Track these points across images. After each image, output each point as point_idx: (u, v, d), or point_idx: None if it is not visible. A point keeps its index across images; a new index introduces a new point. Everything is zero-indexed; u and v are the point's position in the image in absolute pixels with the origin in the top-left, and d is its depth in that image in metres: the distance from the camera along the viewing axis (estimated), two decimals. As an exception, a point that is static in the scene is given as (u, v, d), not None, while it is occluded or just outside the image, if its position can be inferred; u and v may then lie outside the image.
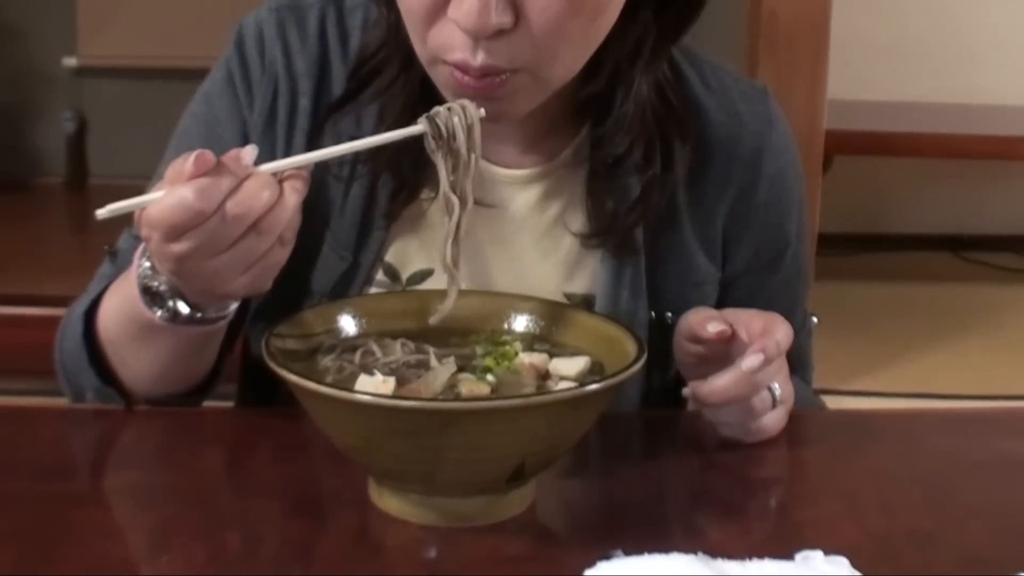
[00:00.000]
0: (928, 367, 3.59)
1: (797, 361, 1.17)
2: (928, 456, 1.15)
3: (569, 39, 1.06)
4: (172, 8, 4.11)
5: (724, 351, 1.09)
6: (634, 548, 0.88)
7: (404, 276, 1.22)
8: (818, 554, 0.89)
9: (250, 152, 0.98)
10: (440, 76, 1.09)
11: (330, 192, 1.21)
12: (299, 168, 1.00)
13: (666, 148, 1.20)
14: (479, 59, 1.04)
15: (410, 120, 1.06)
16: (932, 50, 4.47)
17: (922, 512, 1.02)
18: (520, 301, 1.11)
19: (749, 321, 1.10)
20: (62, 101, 4.25)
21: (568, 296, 1.22)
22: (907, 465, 1.13)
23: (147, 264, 1.07)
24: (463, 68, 1.05)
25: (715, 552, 0.88)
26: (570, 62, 1.10)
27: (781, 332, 1.09)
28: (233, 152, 0.97)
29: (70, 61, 4.18)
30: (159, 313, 1.08)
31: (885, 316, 4.00)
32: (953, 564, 0.94)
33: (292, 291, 1.19)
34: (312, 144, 1.19)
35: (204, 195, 0.95)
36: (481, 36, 1.02)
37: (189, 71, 3.86)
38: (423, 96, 1.15)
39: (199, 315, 1.08)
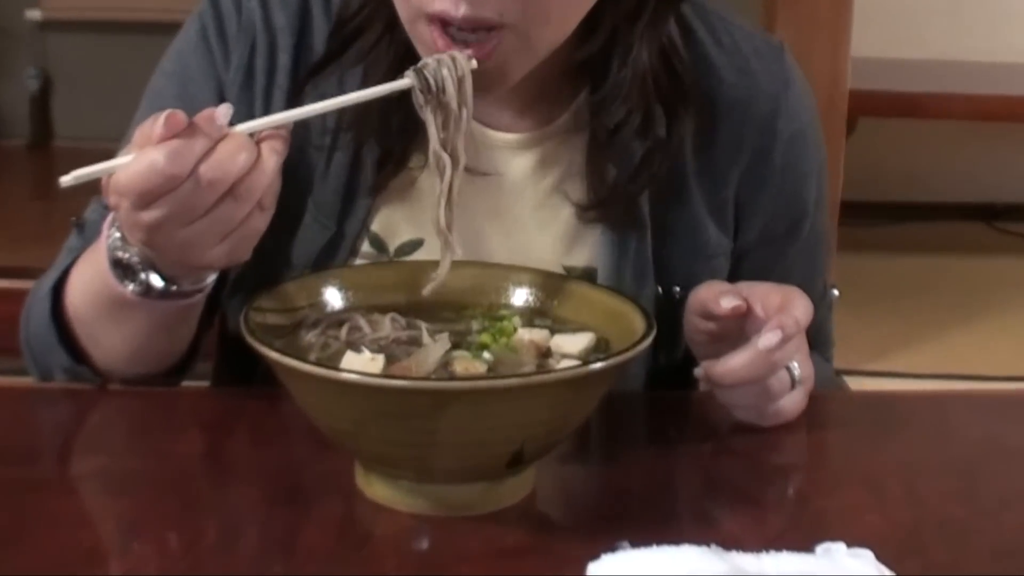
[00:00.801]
0: (959, 346, 3.60)
1: (816, 337, 1.18)
2: (959, 442, 1.16)
3: None
4: (143, -44, 4.10)
5: (738, 328, 1.09)
6: (641, 539, 0.88)
7: (392, 247, 1.22)
8: (840, 546, 0.89)
9: (224, 111, 0.97)
10: (421, 36, 1.09)
11: (311, 157, 1.21)
12: (278, 127, 1.00)
13: (670, 114, 1.20)
14: (462, 10, 1.04)
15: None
16: (962, 5, 4.46)
17: (953, 502, 1.02)
18: (519, 272, 1.11)
19: (766, 295, 1.10)
20: (25, 57, 4.24)
21: (568, 270, 1.22)
22: (936, 451, 1.13)
23: (117, 235, 1.06)
24: (445, 21, 1.05)
25: (729, 544, 0.88)
26: (561, 19, 1.10)
27: (800, 308, 1.08)
28: (207, 112, 0.97)
29: (33, 14, 4.17)
30: (131, 287, 1.07)
31: (912, 291, 4.01)
32: (986, 558, 0.94)
33: (271, 262, 1.19)
34: (292, 104, 1.18)
35: (176, 158, 0.94)
36: None
37: (161, 24, 3.86)
38: (408, 56, 1.14)
39: (174, 288, 1.08)
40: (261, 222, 1.01)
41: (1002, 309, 3.86)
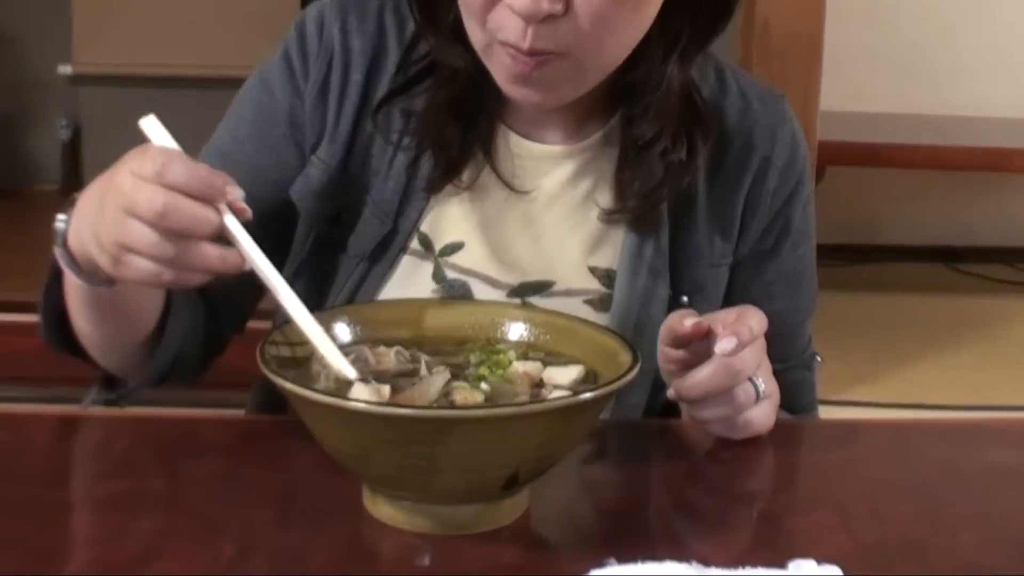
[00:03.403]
0: (921, 378, 3.60)
1: (795, 397, 1.18)
2: (920, 466, 1.16)
3: (612, 28, 1.12)
4: (167, 16, 4.11)
5: (705, 355, 1.10)
6: (627, 556, 0.88)
7: (437, 247, 1.26)
8: (811, 563, 0.89)
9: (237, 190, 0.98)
10: (494, 58, 1.15)
11: (374, 160, 1.25)
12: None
13: (690, 139, 1.24)
14: (528, 42, 1.10)
15: (452, 111, 1.22)
16: (925, 62, 4.48)
17: (914, 522, 1.02)
18: (514, 310, 1.11)
19: (723, 315, 1.12)
20: (57, 109, 4.25)
21: (591, 269, 1.26)
22: (899, 475, 1.13)
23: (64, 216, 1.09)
24: (514, 49, 1.12)
25: (708, 561, 0.88)
26: (612, 51, 1.15)
27: (754, 318, 1.10)
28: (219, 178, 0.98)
29: (65, 69, 4.19)
30: (58, 251, 1.09)
31: (878, 327, 4.01)
32: (946, 574, 0.94)
33: (331, 252, 1.26)
34: (360, 119, 1.25)
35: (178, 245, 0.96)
36: (532, 20, 1.09)
37: (184, 79, 3.89)
38: (462, 96, 1.23)
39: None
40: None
41: (960, 344, 3.86)
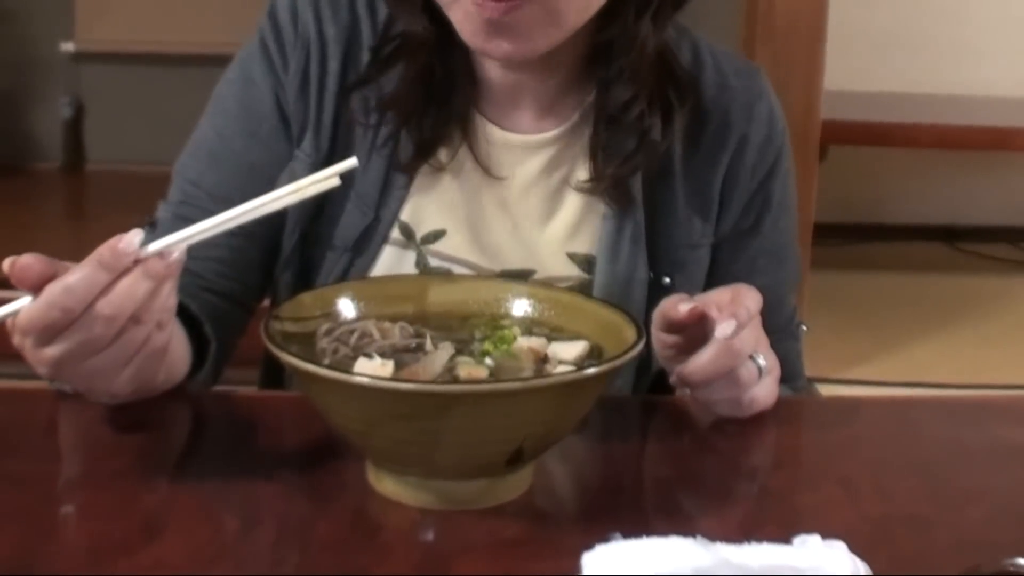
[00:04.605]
0: (922, 357, 3.60)
1: (784, 368, 1.18)
2: (924, 443, 1.16)
3: None
4: (170, -6, 4.11)
5: (701, 337, 1.09)
6: (632, 531, 0.88)
7: (418, 235, 1.26)
8: (816, 538, 0.88)
9: (132, 238, 0.93)
10: (459, 9, 1.13)
11: (355, 151, 1.23)
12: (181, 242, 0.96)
13: (666, 111, 1.23)
14: None
15: (424, 80, 1.20)
16: (928, 41, 4.47)
17: (919, 498, 1.02)
18: (519, 285, 1.11)
19: (717, 297, 1.10)
20: (59, 86, 4.25)
21: (571, 256, 1.26)
22: (904, 452, 1.13)
23: None
24: None
25: (712, 535, 0.88)
26: None
27: (749, 298, 1.09)
28: (112, 242, 0.93)
29: (68, 46, 4.18)
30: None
31: (880, 306, 4.01)
32: (950, 549, 0.94)
33: (316, 245, 1.26)
34: (340, 109, 1.24)
35: (71, 294, 0.92)
36: None
37: (186, 56, 3.89)
38: (434, 83, 1.23)
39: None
40: (161, 339, 0.99)
41: (962, 323, 3.87)
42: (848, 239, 4.46)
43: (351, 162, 1.00)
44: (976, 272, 4.40)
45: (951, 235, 4.63)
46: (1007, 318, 3.95)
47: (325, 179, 0.99)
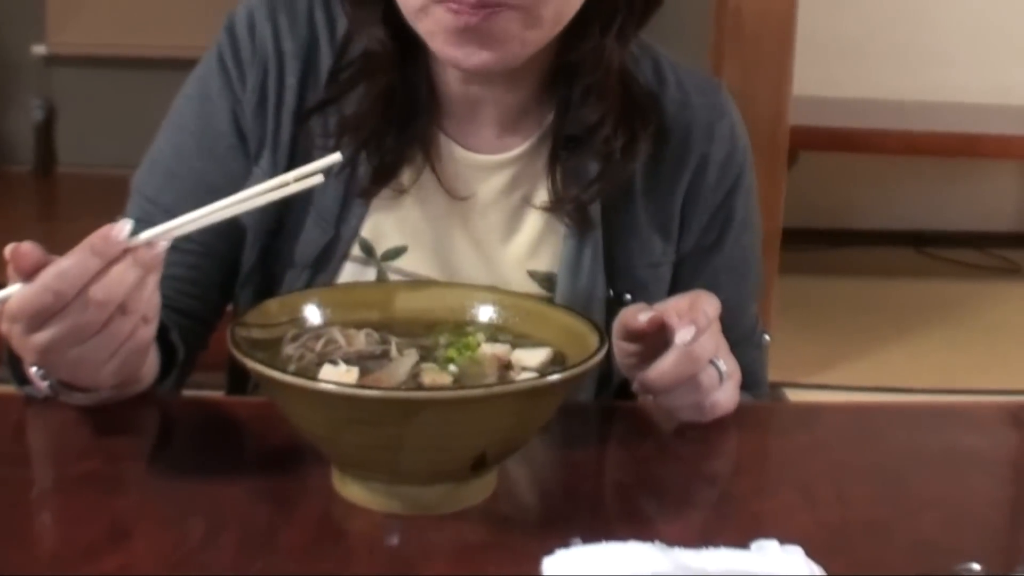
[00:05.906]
0: (889, 361, 3.62)
1: (746, 378, 1.19)
2: (884, 449, 1.17)
3: None
4: (141, -3, 4.10)
5: (662, 345, 1.10)
6: (593, 536, 0.88)
7: (379, 252, 1.25)
8: (773, 543, 0.90)
9: (123, 227, 0.95)
10: (430, 18, 1.12)
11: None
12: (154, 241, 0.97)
13: (631, 135, 1.23)
14: None
15: (385, 101, 1.17)
16: (897, 47, 4.49)
17: (877, 503, 1.03)
18: (484, 292, 1.11)
19: (676, 305, 1.11)
20: (31, 89, 4.23)
21: (531, 274, 1.26)
22: (863, 457, 1.14)
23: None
24: (457, 3, 1.09)
25: (672, 541, 0.89)
26: (558, 4, 1.13)
27: (708, 303, 1.10)
28: (103, 230, 0.94)
29: (39, 49, 4.17)
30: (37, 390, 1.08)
31: (848, 311, 4.03)
32: (907, 554, 0.95)
33: (276, 262, 1.24)
34: (298, 123, 1.23)
35: (65, 279, 0.93)
36: None
37: (158, 60, 3.88)
38: (392, 109, 1.21)
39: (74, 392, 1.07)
40: (147, 334, 1.00)
41: (929, 328, 3.89)
42: (816, 244, 4.48)
43: (335, 157, 1.00)
44: (944, 277, 4.42)
45: (919, 240, 4.65)
46: (974, 323, 3.97)
47: (309, 175, 1.00)
